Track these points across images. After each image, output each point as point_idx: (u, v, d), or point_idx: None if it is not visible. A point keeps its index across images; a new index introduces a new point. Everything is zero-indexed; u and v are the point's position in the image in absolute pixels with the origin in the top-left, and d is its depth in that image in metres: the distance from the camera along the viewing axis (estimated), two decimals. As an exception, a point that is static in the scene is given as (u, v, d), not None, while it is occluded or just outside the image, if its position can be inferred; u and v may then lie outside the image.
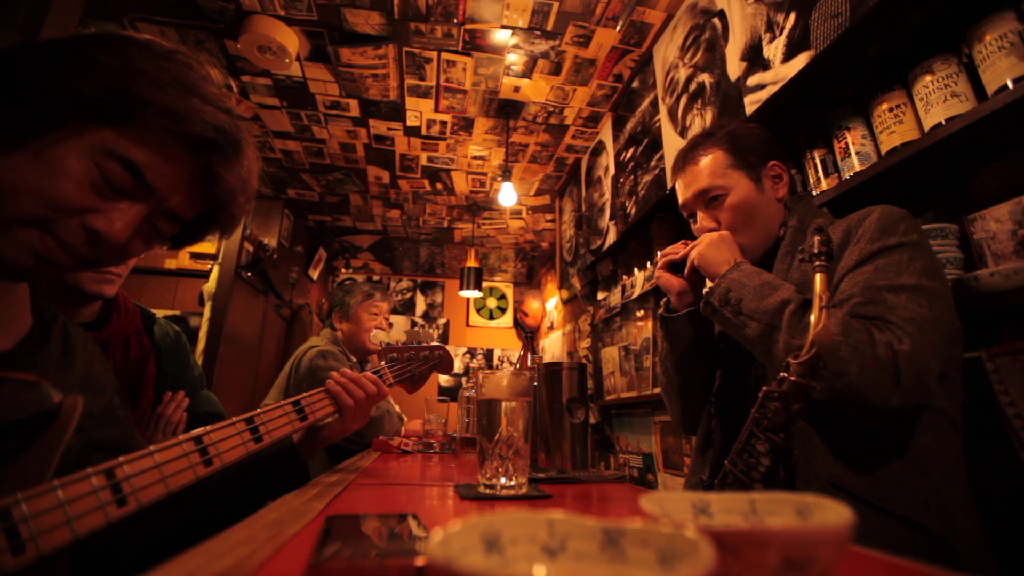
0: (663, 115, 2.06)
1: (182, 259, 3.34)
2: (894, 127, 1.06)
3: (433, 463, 1.16)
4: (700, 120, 1.78)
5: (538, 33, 2.15)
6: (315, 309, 4.30)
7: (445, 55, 2.29)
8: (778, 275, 0.82)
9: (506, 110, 2.68)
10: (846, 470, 0.67)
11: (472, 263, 3.86)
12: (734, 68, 1.59)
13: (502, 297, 5.34)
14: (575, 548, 0.23)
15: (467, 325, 5.19)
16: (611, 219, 2.53)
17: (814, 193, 1.25)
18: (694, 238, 0.93)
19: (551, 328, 4.14)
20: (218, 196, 0.56)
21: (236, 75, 2.41)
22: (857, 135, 1.15)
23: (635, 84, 2.36)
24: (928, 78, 0.99)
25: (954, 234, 0.99)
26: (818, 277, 0.57)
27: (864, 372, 0.62)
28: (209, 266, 3.06)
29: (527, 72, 2.40)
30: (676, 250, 0.95)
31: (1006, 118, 0.87)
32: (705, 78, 1.77)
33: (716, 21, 1.72)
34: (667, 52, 2.06)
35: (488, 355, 5.11)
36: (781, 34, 1.36)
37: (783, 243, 0.87)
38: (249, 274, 3.17)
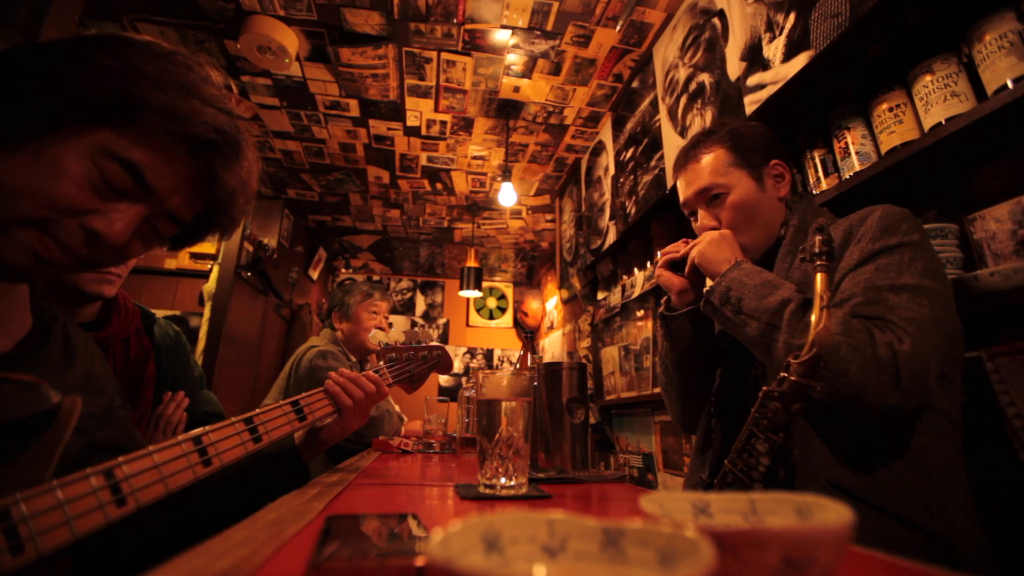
0: (663, 115, 2.06)
1: (182, 259, 3.34)
2: (894, 127, 1.06)
3: (433, 463, 1.16)
4: (700, 120, 1.78)
5: (538, 33, 2.15)
6: (315, 309, 4.30)
7: (445, 55, 2.29)
8: (779, 274, 0.82)
9: (506, 110, 2.68)
10: (846, 470, 0.67)
11: (472, 263, 3.86)
12: (734, 68, 1.59)
13: (502, 297, 5.34)
14: (575, 548, 0.23)
15: (467, 325, 5.19)
16: (611, 219, 2.53)
17: (814, 193, 1.25)
18: (694, 237, 0.93)
19: (551, 328, 4.14)
20: (218, 197, 0.56)
21: (236, 75, 2.41)
22: (857, 135, 1.15)
23: (635, 84, 2.36)
24: (928, 78, 0.99)
25: (954, 234, 0.99)
26: (819, 277, 0.56)
27: (864, 372, 0.62)
28: (209, 266, 3.06)
29: (527, 72, 2.40)
30: (677, 248, 0.95)
31: (1006, 118, 0.87)
32: (705, 78, 1.77)
33: (716, 21, 1.72)
34: (667, 52, 2.06)
35: (488, 355, 5.11)
36: (781, 34, 1.36)
37: (784, 242, 0.87)
38: (249, 274, 3.17)
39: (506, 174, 2.78)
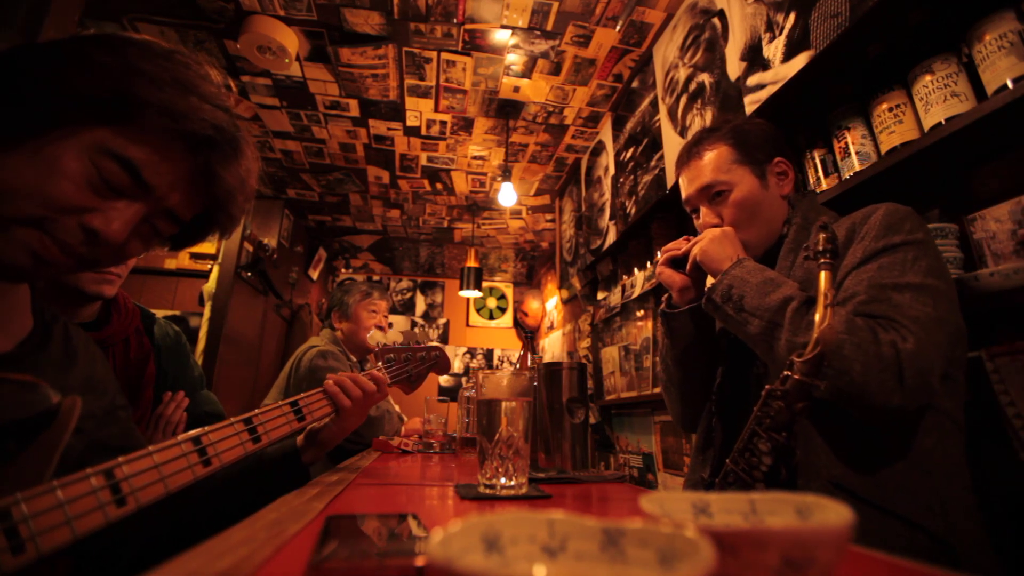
0: (663, 115, 2.06)
1: (182, 259, 3.34)
2: (894, 127, 1.06)
3: (433, 463, 1.16)
4: (700, 120, 1.78)
5: (538, 33, 2.15)
6: (315, 309, 4.30)
7: (445, 55, 2.29)
8: (781, 272, 0.81)
9: (506, 110, 2.68)
10: (848, 470, 0.67)
11: (472, 263, 3.86)
12: (734, 68, 1.59)
13: (502, 297, 5.34)
14: (575, 548, 0.23)
15: (467, 325, 5.19)
16: (611, 219, 2.53)
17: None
18: (695, 236, 0.93)
19: (551, 328, 4.14)
20: (217, 195, 0.56)
21: (236, 75, 2.41)
22: (857, 135, 1.15)
23: (635, 84, 2.36)
24: (928, 78, 0.99)
25: (954, 234, 0.99)
26: (822, 275, 0.56)
27: (867, 371, 0.62)
28: (209, 266, 3.06)
29: (527, 72, 2.40)
30: (678, 246, 0.94)
31: (1006, 118, 0.87)
32: (705, 78, 1.77)
33: (716, 21, 1.72)
34: (667, 52, 2.06)
35: (488, 355, 5.11)
36: (781, 34, 1.36)
37: (786, 240, 0.86)
38: (249, 274, 3.17)
39: (506, 174, 2.78)
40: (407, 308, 5.15)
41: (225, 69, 2.35)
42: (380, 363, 1.00)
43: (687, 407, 0.99)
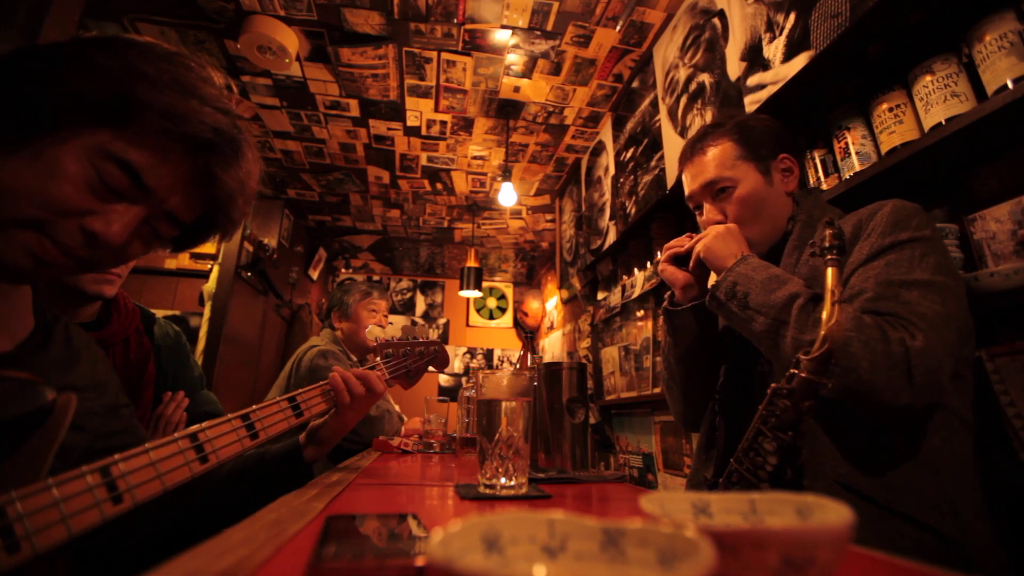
0: (663, 115, 2.06)
1: (182, 259, 3.34)
2: (894, 127, 1.06)
3: (433, 463, 1.16)
4: (700, 120, 1.78)
5: (538, 33, 2.15)
6: (315, 309, 4.30)
7: (445, 55, 2.29)
8: (785, 270, 0.80)
9: (506, 110, 2.68)
10: (855, 470, 0.65)
11: (472, 263, 3.86)
12: (734, 68, 1.59)
13: (502, 297, 5.34)
14: (575, 548, 0.23)
15: (467, 325, 5.19)
16: (611, 219, 2.53)
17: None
18: (697, 233, 0.92)
19: (551, 328, 4.14)
20: (217, 198, 0.56)
21: (236, 75, 2.41)
22: (857, 135, 1.15)
23: (635, 84, 2.36)
24: (928, 78, 0.99)
25: (954, 234, 0.99)
26: (830, 271, 0.55)
27: (876, 368, 0.60)
28: (209, 266, 3.06)
29: (527, 72, 2.40)
30: (681, 243, 0.93)
31: (1006, 118, 0.87)
32: (705, 78, 1.77)
33: (716, 21, 1.72)
34: (667, 52, 2.06)
35: (488, 355, 5.11)
36: (781, 34, 1.36)
37: (791, 237, 0.85)
38: (249, 274, 3.17)
39: (506, 174, 2.78)
40: (407, 308, 5.15)
41: (225, 69, 2.35)
42: (379, 358, 0.99)
43: (690, 406, 0.98)
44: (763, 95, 1.40)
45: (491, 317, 5.26)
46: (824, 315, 0.53)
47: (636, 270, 2.30)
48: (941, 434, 0.66)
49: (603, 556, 0.23)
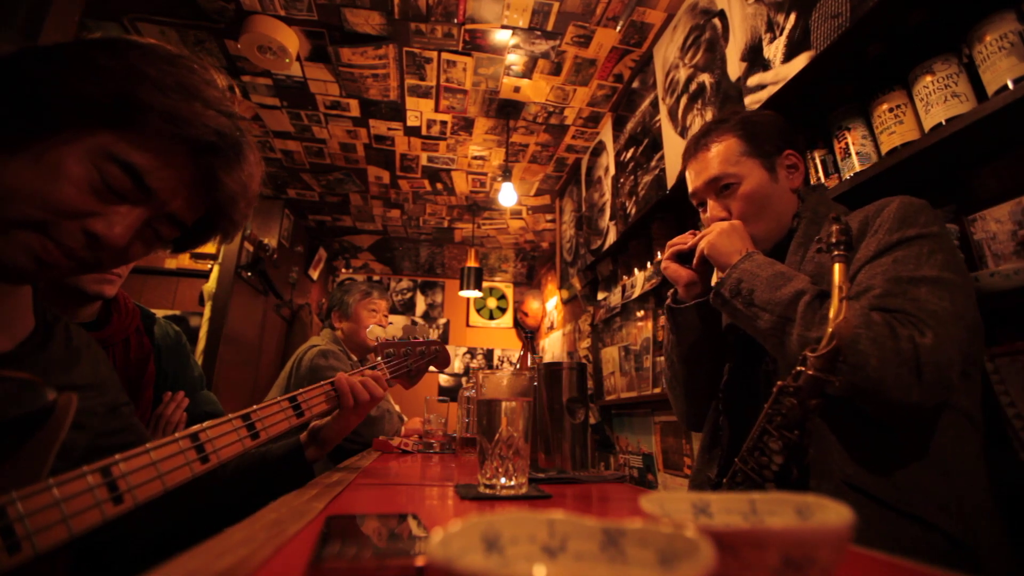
0: (663, 115, 2.06)
1: (182, 259, 3.34)
2: (894, 127, 1.06)
3: (433, 463, 1.16)
4: (700, 120, 1.78)
5: (538, 33, 2.15)
6: (315, 309, 4.30)
7: (445, 55, 2.29)
8: (790, 267, 0.79)
9: (506, 110, 2.68)
10: (862, 469, 0.64)
11: (472, 263, 3.86)
12: (734, 68, 1.59)
13: (502, 297, 5.34)
14: (575, 548, 0.23)
15: (467, 325, 5.19)
16: (611, 219, 2.53)
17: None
18: (699, 232, 0.91)
19: (551, 328, 4.14)
20: (218, 200, 0.56)
21: (236, 75, 2.41)
22: (857, 135, 1.15)
23: (635, 84, 2.36)
24: (928, 78, 0.99)
25: (954, 235, 0.99)
26: (837, 267, 0.54)
27: (884, 366, 0.60)
28: (209, 266, 3.06)
29: (527, 72, 2.40)
30: (684, 240, 0.92)
31: (1006, 118, 0.87)
32: (705, 78, 1.77)
33: (716, 21, 1.72)
34: (667, 52, 2.06)
35: (488, 355, 5.11)
36: (781, 34, 1.36)
37: (796, 234, 0.84)
38: (249, 274, 3.17)
39: (506, 174, 2.78)
40: (407, 308, 5.15)
41: (225, 69, 2.35)
42: (380, 358, 0.99)
43: (693, 405, 0.97)
44: (763, 95, 1.40)
45: (491, 317, 5.26)
46: (831, 312, 0.52)
47: (636, 270, 2.30)
48: (950, 434, 0.65)
49: (603, 556, 0.23)
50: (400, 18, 2.07)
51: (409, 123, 2.81)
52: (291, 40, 2.11)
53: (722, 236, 0.83)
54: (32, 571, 0.35)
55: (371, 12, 2.04)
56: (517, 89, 2.52)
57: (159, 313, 1.20)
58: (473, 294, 3.90)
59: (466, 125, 2.84)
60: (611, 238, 2.50)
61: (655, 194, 2.06)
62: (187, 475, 0.49)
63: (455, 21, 2.09)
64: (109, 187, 0.48)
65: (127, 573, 0.57)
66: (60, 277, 0.58)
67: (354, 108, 2.68)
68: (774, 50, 1.39)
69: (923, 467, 0.63)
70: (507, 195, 2.78)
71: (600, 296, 2.82)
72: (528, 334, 1.28)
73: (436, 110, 2.70)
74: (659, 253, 2.15)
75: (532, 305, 4.68)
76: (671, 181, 1.94)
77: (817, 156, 1.26)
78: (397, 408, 2.04)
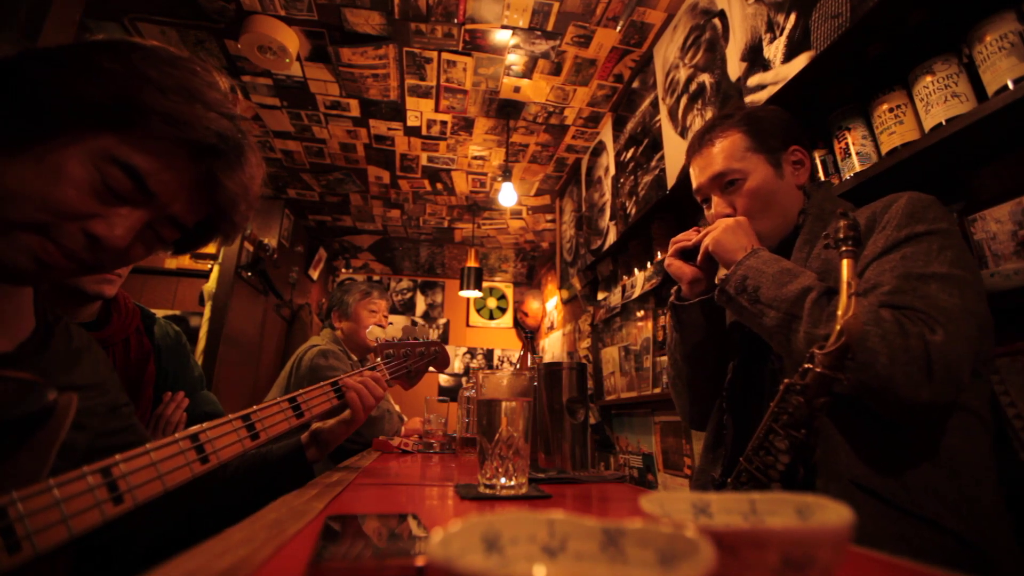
0: (663, 115, 2.06)
1: (182, 259, 3.34)
2: (894, 127, 1.06)
3: (433, 463, 1.16)
4: (700, 120, 1.78)
5: (538, 33, 2.15)
6: (315, 309, 4.30)
7: (445, 55, 2.29)
8: (796, 264, 0.78)
9: (506, 110, 2.68)
10: (871, 470, 0.63)
11: (472, 263, 3.86)
12: (734, 68, 1.59)
13: (502, 297, 5.34)
14: (575, 548, 0.23)
15: (467, 325, 5.19)
16: (611, 219, 2.53)
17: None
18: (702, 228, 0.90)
19: (551, 328, 4.14)
20: (219, 202, 0.56)
21: (236, 75, 2.41)
22: (857, 135, 1.15)
23: (635, 84, 2.36)
24: (928, 78, 0.99)
25: (954, 234, 0.99)
26: (845, 263, 0.53)
27: (894, 364, 0.58)
28: (209, 266, 3.06)
29: (527, 72, 2.40)
30: (688, 237, 0.91)
31: (1007, 119, 0.87)
32: (705, 78, 1.77)
33: (716, 21, 1.72)
34: (667, 52, 2.06)
35: (488, 355, 5.11)
36: (781, 34, 1.36)
37: (802, 231, 0.83)
38: (249, 274, 3.17)
39: (506, 174, 2.78)
40: (407, 308, 5.15)
41: (226, 69, 2.35)
42: (380, 359, 0.99)
43: (696, 404, 0.96)
44: (763, 95, 1.40)
45: (491, 317, 5.26)
46: (840, 308, 0.51)
47: (636, 270, 2.30)
48: (960, 434, 0.64)
49: (603, 556, 0.23)
50: (400, 18, 2.07)
51: (409, 123, 2.81)
52: (291, 40, 2.11)
53: (727, 232, 0.82)
54: (32, 571, 0.35)
55: (371, 12, 2.04)
56: (517, 89, 2.52)
57: (159, 313, 1.20)
58: (473, 294, 3.90)
59: (466, 125, 2.84)
60: (611, 238, 2.50)
61: (655, 194, 2.06)
62: (187, 475, 0.49)
63: (455, 21, 2.09)
64: (110, 189, 0.48)
65: (127, 573, 0.57)
66: (61, 278, 0.58)
67: (354, 108, 2.68)
68: (774, 50, 1.39)
69: (933, 467, 0.62)
70: (507, 195, 2.78)
71: (600, 296, 2.82)
72: (528, 334, 1.28)
73: (436, 110, 2.70)
74: (659, 253, 2.15)
75: (532, 305, 4.68)
76: (671, 181, 1.94)
77: (817, 156, 1.26)
78: (397, 408, 2.04)
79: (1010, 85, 0.87)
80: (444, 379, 4.88)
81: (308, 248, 4.36)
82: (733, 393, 0.86)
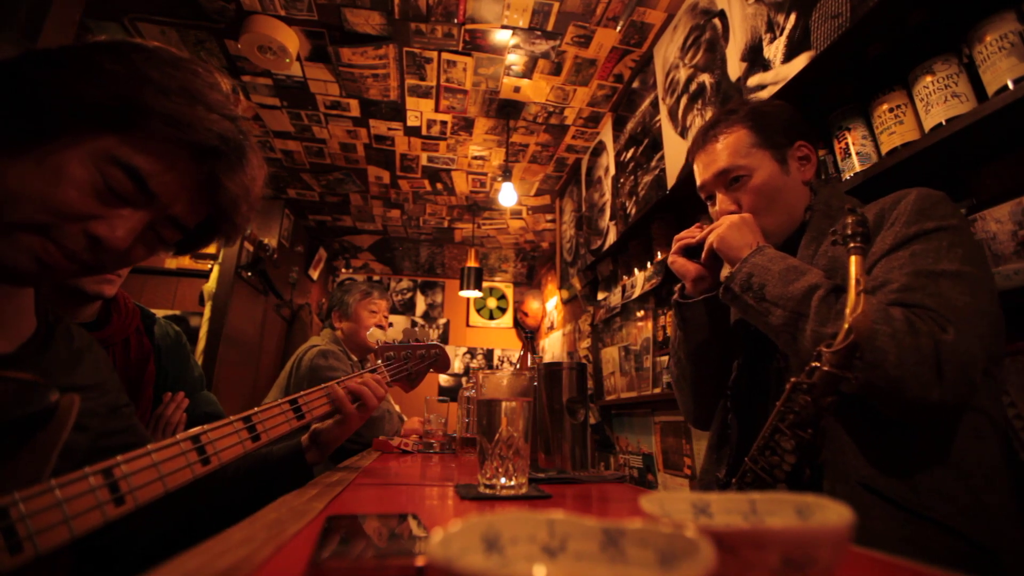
0: (663, 115, 2.06)
1: (182, 259, 3.34)
2: (894, 127, 1.06)
3: (433, 463, 1.16)
4: (701, 120, 1.78)
5: (538, 33, 2.15)
6: (315, 309, 4.30)
7: (445, 55, 2.29)
8: (803, 261, 0.76)
9: (506, 110, 2.68)
10: (879, 471, 0.62)
11: (472, 263, 3.86)
12: (734, 68, 1.59)
13: (502, 297, 5.34)
14: (575, 548, 0.23)
15: (467, 325, 5.19)
16: (611, 219, 2.53)
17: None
18: (706, 225, 0.89)
19: (551, 328, 4.14)
20: (221, 204, 0.56)
21: (236, 75, 2.41)
22: (857, 135, 1.15)
23: (635, 84, 2.36)
24: (928, 78, 0.99)
25: (954, 234, 0.99)
26: (853, 260, 0.52)
27: (903, 363, 0.57)
28: (209, 266, 3.06)
29: (527, 72, 2.40)
30: (692, 234, 0.90)
31: (1007, 119, 0.87)
32: (705, 78, 1.77)
33: (716, 21, 1.72)
34: (667, 52, 2.06)
35: (488, 355, 5.11)
36: (781, 34, 1.36)
37: (808, 228, 0.82)
38: (249, 274, 3.17)
39: (506, 174, 2.78)
40: (407, 308, 5.15)
41: (226, 69, 2.35)
42: (380, 361, 0.99)
43: (700, 403, 0.95)
44: (763, 95, 1.40)
45: (491, 317, 5.26)
46: (848, 306, 0.50)
47: (636, 270, 2.31)
48: (970, 434, 0.63)
49: (603, 556, 0.23)
50: (400, 18, 2.07)
51: (409, 123, 2.81)
52: (291, 40, 2.11)
53: (732, 229, 0.80)
54: (33, 572, 0.35)
55: (371, 12, 2.04)
56: (517, 89, 2.52)
57: (159, 313, 1.20)
58: (473, 294, 3.90)
59: (466, 125, 2.84)
60: (611, 238, 2.50)
61: (655, 194, 2.06)
62: (188, 477, 0.49)
63: (455, 21, 2.09)
64: (111, 190, 0.48)
65: (128, 574, 0.57)
66: (62, 279, 0.58)
67: (354, 108, 2.68)
68: (774, 50, 1.39)
69: (943, 469, 0.61)
70: (507, 195, 2.78)
71: (600, 296, 2.82)
72: (528, 334, 1.28)
73: (436, 110, 2.70)
74: (659, 253, 2.15)
75: (532, 305, 4.68)
76: (671, 181, 1.94)
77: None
78: (397, 408, 2.04)
79: (1010, 85, 0.87)
80: (444, 379, 4.88)
81: (308, 248, 4.36)
82: (738, 392, 0.85)
